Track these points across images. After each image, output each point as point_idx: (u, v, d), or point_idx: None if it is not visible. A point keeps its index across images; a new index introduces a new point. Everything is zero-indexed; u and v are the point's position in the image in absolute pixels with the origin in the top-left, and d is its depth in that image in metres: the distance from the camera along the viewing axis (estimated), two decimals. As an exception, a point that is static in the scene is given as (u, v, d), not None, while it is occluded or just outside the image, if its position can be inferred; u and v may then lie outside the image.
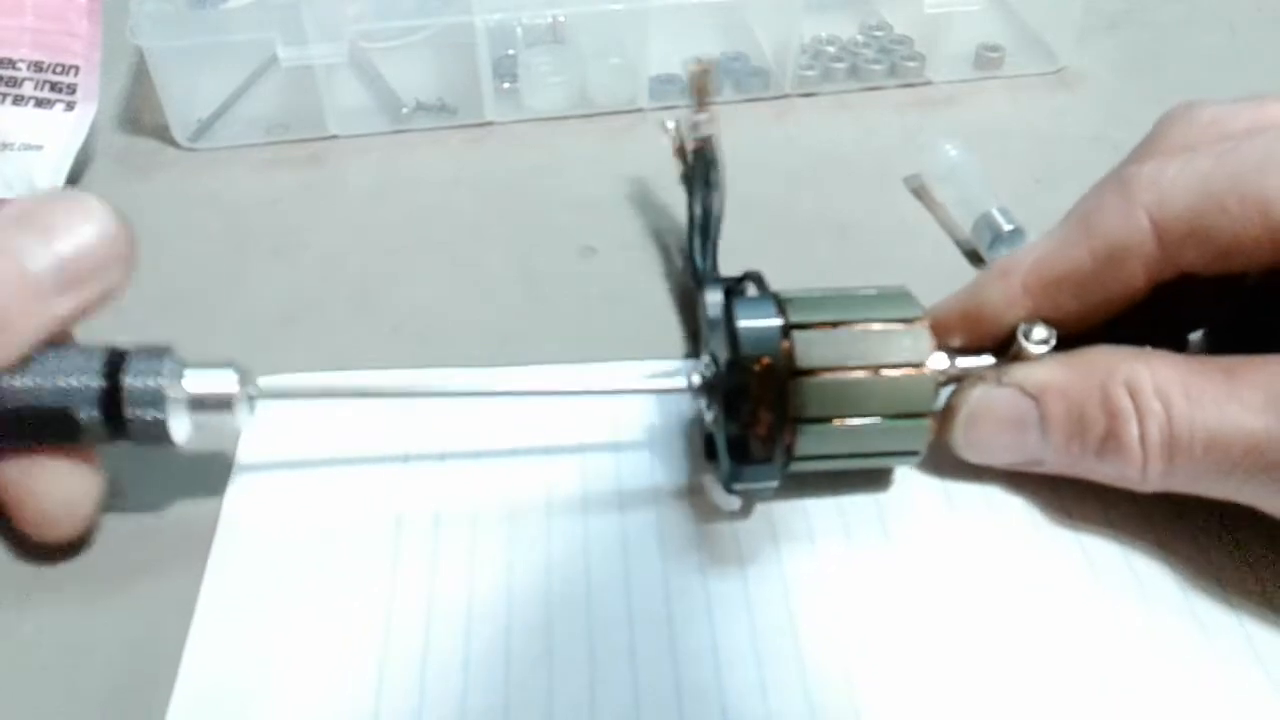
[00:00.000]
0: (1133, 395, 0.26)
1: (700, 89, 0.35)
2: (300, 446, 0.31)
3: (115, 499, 0.28)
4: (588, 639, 0.26)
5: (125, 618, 0.27)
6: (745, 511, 0.30)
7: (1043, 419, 0.28)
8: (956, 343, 0.30)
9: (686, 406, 0.32)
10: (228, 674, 0.26)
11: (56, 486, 0.27)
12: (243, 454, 0.31)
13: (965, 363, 0.29)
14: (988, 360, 0.29)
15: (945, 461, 0.30)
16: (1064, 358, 0.28)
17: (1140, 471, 0.26)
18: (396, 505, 0.30)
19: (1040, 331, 0.28)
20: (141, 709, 0.25)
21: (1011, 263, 0.30)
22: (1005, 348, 0.29)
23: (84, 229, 0.26)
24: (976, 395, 0.29)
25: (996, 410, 0.29)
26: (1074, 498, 0.30)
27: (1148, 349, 0.27)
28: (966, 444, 0.29)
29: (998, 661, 0.26)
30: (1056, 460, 0.28)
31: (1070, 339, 0.29)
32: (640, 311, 0.36)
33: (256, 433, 0.31)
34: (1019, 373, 0.28)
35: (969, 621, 0.27)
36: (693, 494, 0.30)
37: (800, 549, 0.29)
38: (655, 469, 0.31)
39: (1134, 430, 0.26)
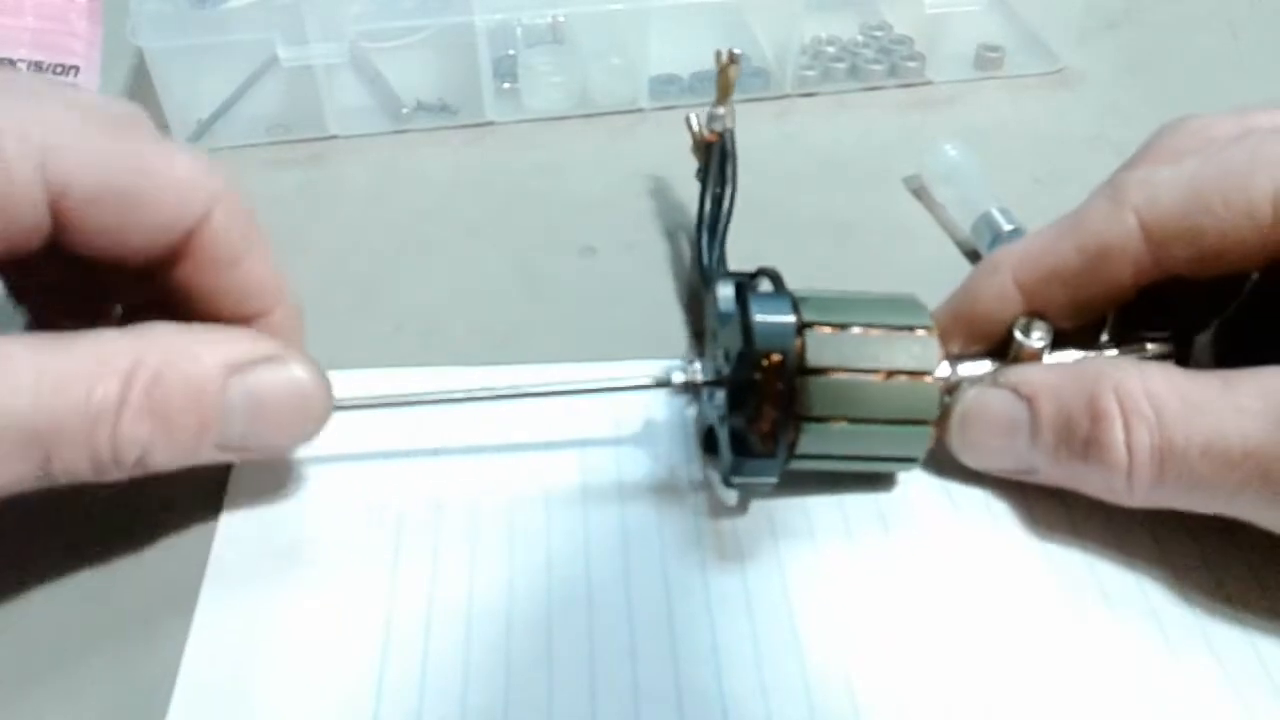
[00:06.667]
0: (1121, 400, 0.26)
1: (725, 81, 0.35)
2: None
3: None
4: (588, 638, 0.27)
5: (125, 618, 0.27)
6: (742, 508, 0.30)
7: (1033, 421, 0.28)
8: (955, 347, 0.30)
9: (689, 404, 0.32)
10: (228, 674, 0.26)
11: None
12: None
13: (966, 368, 0.30)
14: (987, 365, 0.30)
15: (946, 461, 0.30)
16: (1060, 364, 0.28)
17: (1126, 479, 0.26)
18: (397, 505, 0.30)
19: (1037, 330, 0.29)
20: (142, 709, 0.25)
21: (999, 258, 0.30)
22: (1004, 352, 0.29)
23: (294, 431, 0.27)
24: (970, 396, 0.29)
25: (989, 411, 0.29)
26: (1074, 499, 0.30)
27: (1146, 362, 0.28)
28: (961, 446, 0.29)
29: (997, 662, 0.26)
30: (1047, 466, 0.28)
31: (1069, 340, 0.29)
32: (641, 311, 0.36)
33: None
34: (1013, 374, 0.28)
35: (969, 621, 0.27)
36: (693, 492, 0.30)
37: (801, 547, 0.29)
38: (656, 467, 0.31)
39: (1118, 435, 0.26)
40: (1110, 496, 0.27)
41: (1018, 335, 0.29)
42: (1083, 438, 0.27)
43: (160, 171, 0.25)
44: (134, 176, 0.25)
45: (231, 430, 0.25)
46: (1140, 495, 0.26)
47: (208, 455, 0.26)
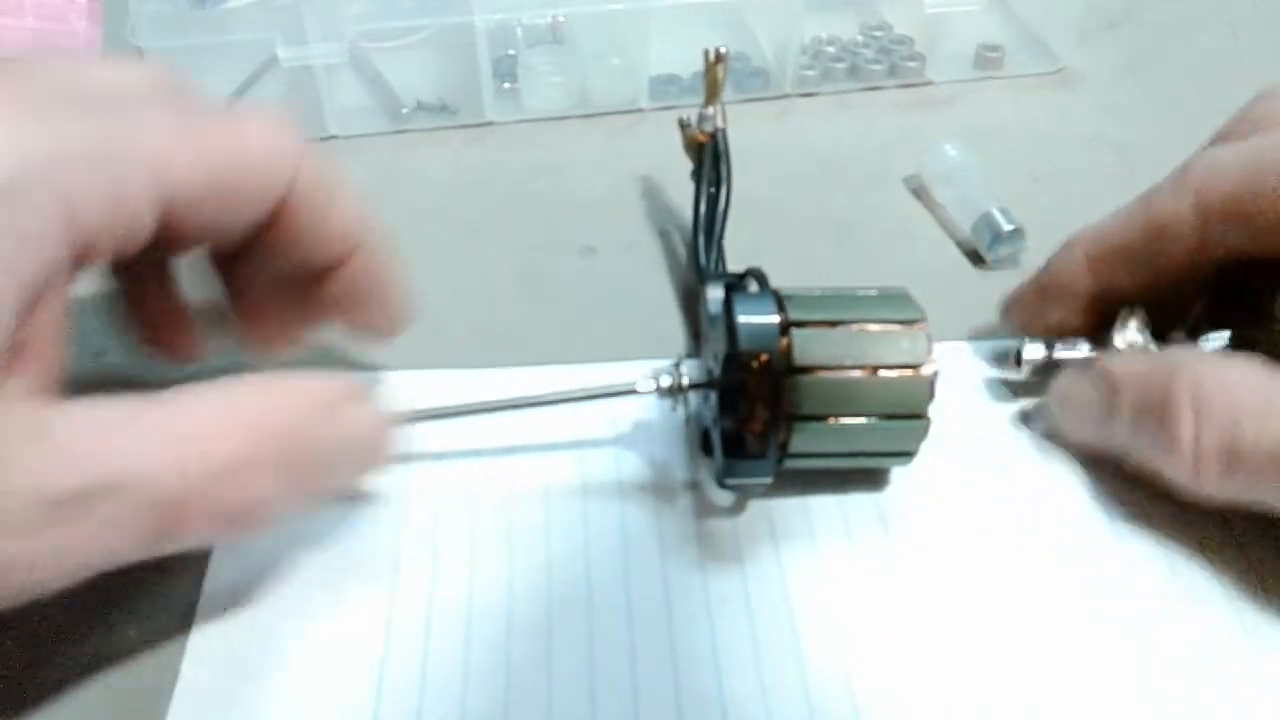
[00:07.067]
0: (1194, 397, 0.26)
1: (712, 80, 0.35)
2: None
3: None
4: (588, 639, 0.27)
5: (125, 619, 0.27)
6: (739, 508, 0.30)
7: (1116, 411, 0.28)
8: (1038, 321, 0.31)
9: (675, 407, 0.32)
10: (228, 674, 0.26)
11: None
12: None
13: (1062, 351, 0.31)
14: (1084, 349, 0.31)
15: (944, 461, 0.30)
16: (1149, 354, 0.29)
17: (1192, 473, 0.26)
18: (397, 505, 0.30)
19: (1134, 319, 0.30)
20: (143, 709, 0.25)
21: (1076, 235, 0.31)
22: (1099, 334, 0.30)
23: (358, 469, 0.26)
24: (1063, 382, 0.30)
25: (1079, 397, 0.30)
26: (1075, 496, 0.30)
27: (1231, 356, 0.27)
28: (1060, 425, 0.31)
29: (997, 661, 0.26)
30: (1132, 452, 0.28)
31: (1169, 326, 0.29)
32: (640, 311, 0.36)
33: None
34: (1104, 363, 0.29)
35: (969, 621, 0.27)
36: (692, 493, 0.30)
37: (800, 547, 0.29)
38: (656, 468, 0.31)
39: (1186, 430, 0.26)
40: (1184, 487, 0.27)
41: (1117, 327, 0.30)
42: (1155, 430, 0.27)
43: (250, 153, 0.24)
44: (228, 168, 0.24)
45: (326, 475, 0.25)
46: (1210, 489, 0.26)
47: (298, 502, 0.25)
